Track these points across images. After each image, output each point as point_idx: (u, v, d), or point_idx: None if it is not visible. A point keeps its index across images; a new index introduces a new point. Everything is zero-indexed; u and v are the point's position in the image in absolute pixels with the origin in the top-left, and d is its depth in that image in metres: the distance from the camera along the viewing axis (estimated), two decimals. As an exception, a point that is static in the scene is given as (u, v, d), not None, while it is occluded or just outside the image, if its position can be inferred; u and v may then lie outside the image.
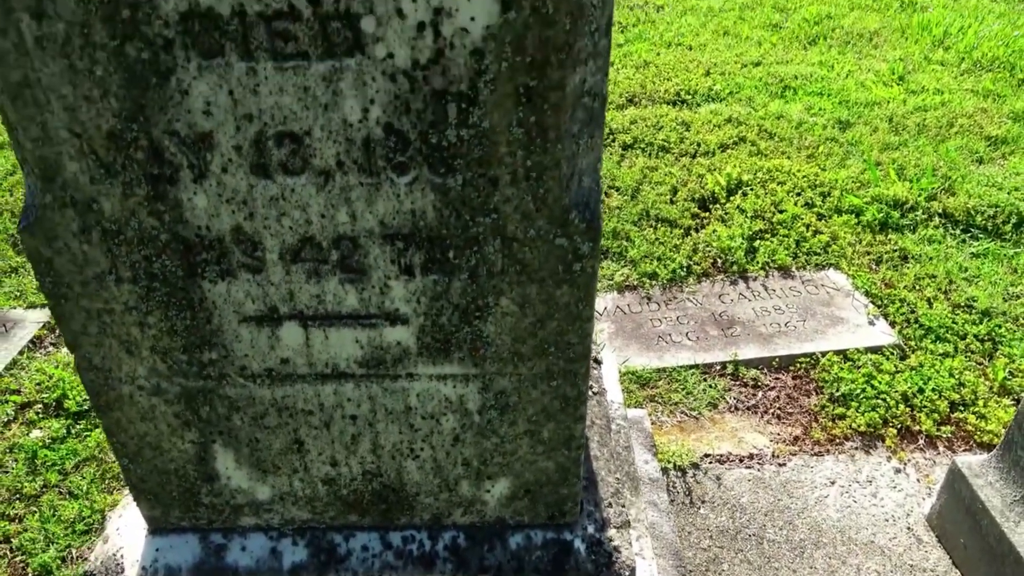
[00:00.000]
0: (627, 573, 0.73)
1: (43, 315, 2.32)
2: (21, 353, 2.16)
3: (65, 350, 2.15)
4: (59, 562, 1.56)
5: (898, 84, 3.64)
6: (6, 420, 1.92)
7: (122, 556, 0.73)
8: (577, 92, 0.53)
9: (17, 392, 2.01)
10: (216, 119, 0.54)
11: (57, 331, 2.25)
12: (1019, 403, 1.31)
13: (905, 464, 1.71)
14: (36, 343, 2.21)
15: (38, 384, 2.01)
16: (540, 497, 0.74)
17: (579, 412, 0.67)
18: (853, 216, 2.55)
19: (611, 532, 0.75)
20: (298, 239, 0.59)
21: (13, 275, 2.52)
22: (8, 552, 1.59)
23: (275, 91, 0.52)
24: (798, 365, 1.98)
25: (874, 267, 2.33)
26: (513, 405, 0.68)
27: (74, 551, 1.59)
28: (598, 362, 1.13)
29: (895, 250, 2.40)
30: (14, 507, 1.69)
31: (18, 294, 2.42)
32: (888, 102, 3.44)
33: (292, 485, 0.73)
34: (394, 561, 0.73)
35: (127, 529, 0.76)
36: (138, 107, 0.53)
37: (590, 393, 1.00)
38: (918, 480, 1.67)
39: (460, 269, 0.60)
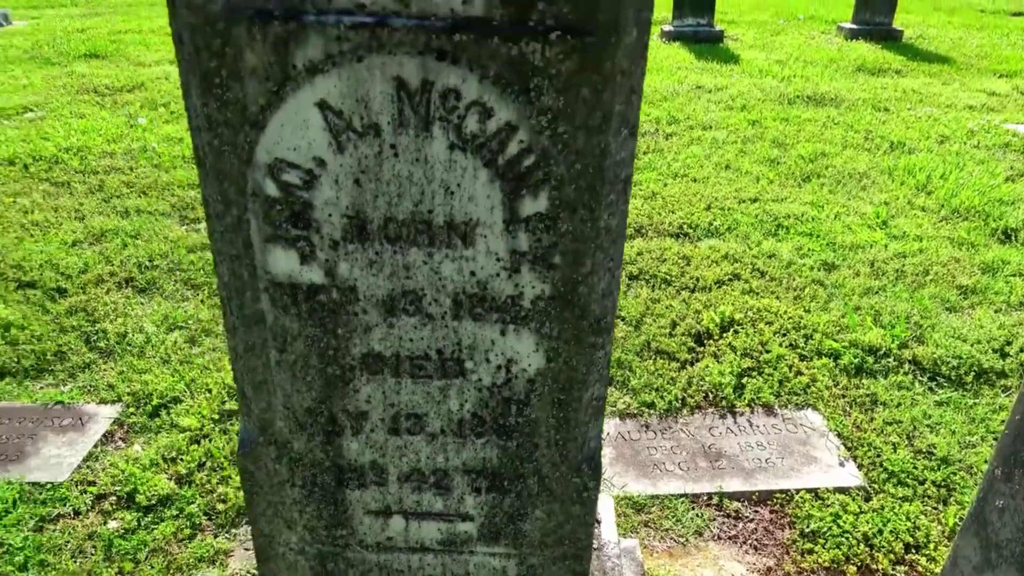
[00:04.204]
0: None
1: (114, 411, 2.63)
2: (96, 446, 2.46)
3: (136, 447, 2.46)
4: (132, 646, 1.82)
5: (881, 228, 4.02)
6: (85, 509, 2.21)
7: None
8: (589, 398, 0.85)
9: (93, 484, 2.30)
10: (372, 405, 0.86)
11: (126, 427, 2.56)
12: (953, 565, 1.58)
13: (862, 599, 1.97)
14: (108, 437, 2.51)
15: (112, 477, 2.30)
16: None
17: (584, 578, 0.98)
18: (831, 360, 2.86)
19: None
20: (410, 469, 0.90)
21: (86, 370, 2.84)
22: (87, 634, 1.86)
23: (408, 393, 0.84)
24: (775, 500, 2.26)
25: (847, 410, 2.63)
26: (539, 575, 0.98)
27: (144, 637, 1.85)
28: (598, 521, 1.42)
29: (867, 395, 2.70)
30: (92, 592, 1.96)
31: (91, 388, 2.74)
32: (871, 246, 3.80)
33: None
34: None
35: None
36: (326, 396, 0.85)
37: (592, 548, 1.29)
38: (872, 615, 1.93)
39: (510, 492, 0.91)
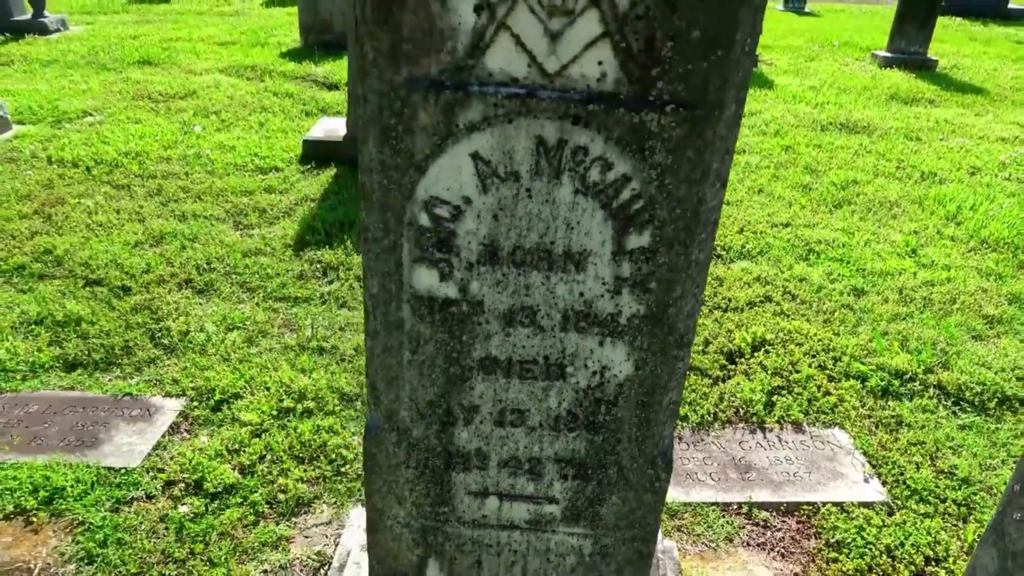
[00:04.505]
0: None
1: (179, 404, 2.81)
2: (164, 436, 2.64)
3: (202, 438, 2.63)
4: (207, 617, 1.99)
5: (910, 256, 4.13)
6: (156, 494, 2.39)
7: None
8: (667, 402, 1.00)
9: (163, 471, 2.48)
10: (483, 400, 1.01)
11: (190, 419, 2.74)
12: (972, 574, 1.70)
13: (884, 608, 2.09)
14: (174, 428, 2.69)
15: (180, 465, 2.48)
16: (618, 610, 1.18)
17: (649, 562, 1.12)
18: (859, 381, 2.99)
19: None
20: (509, 456, 1.06)
21: (152, 365, 3.03)
22: (167, 605, 2.03)
23: (516, 391, 1.00)
24: (802, 511, 2.39)
25: (873, 430, 2.75)
26: (611, 553, 1.13)
27: (218, 610, 2.02)
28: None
29: (893, 416, 2.82)
30: (168, 568, 2.13)
31: (157, 382, 2.93)
32: (900, 273, 3.92)
33: None
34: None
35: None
36: (446, 391, 1.01)
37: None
38: (894, 623, 2.05)
39: (593, 480, 1.06)
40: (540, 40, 0.78)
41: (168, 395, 2.85)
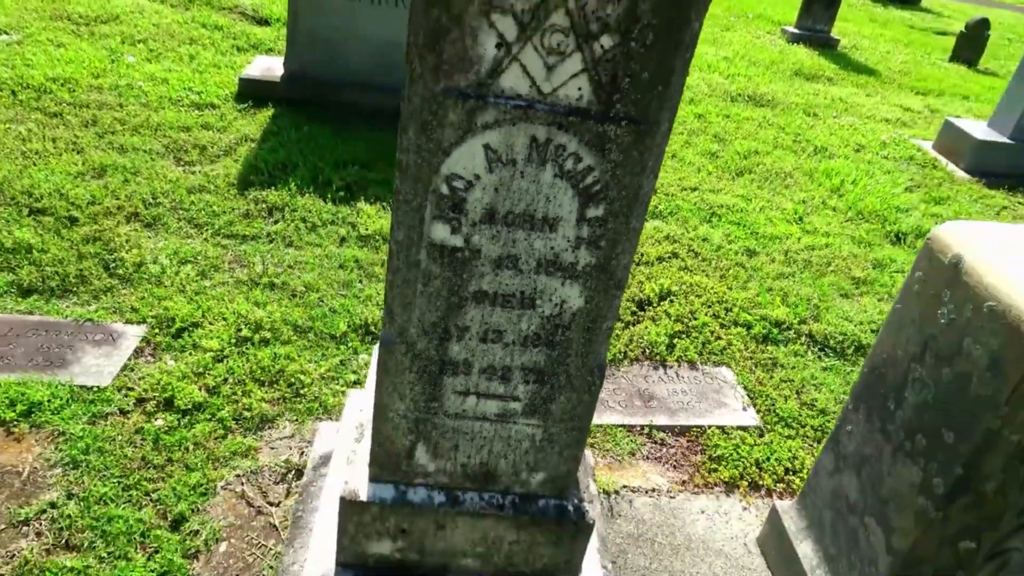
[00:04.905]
0: (592, 524, 1.58)
1: (140, 331, 3.01)
2: (129, 360, 2.86)
3: (168, 361, 2.86)
4: (190, 512, 2.29)
5: (797, 223, 4.71)
6: (129, 410, 2.63)
7: (358, 490, 1.53)
8: (606, 328, 1.38)
9: (132, 389, 2.71)
10: (473, 322, 1.35)
11: (152, 345, 2.96)
12: (815, 474, 2.22)
13: (750, 505, 2.62)
14: (139, 352, 2.91)
15: (150, 385, 2.72)
16: (556, 482, 1.57)
17: (583, 444, 1.51)
18: (745, 329, 3.51)
19: (586, 504, 1.59)
20: (487, 365, 1.41)
21: (108, 294, 3.20)
22: (151, 503, 2.31)
23: (497, 316, 1.34)
24: (691, 433, 2.89)
25: (753, 369, 3.29)
26: (556, 439, 1.51)
27: (198, 506, 2.32)
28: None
29: (770, 358, 3.37)
30: (148, 472, 2.40)
31: (116, 310, 3.11)
32: (787, 238, 4.49)
33: (446, 465, 1.54)
34: (485, 507, 1.56)
35: (356, 478, 1.56)
36: (446, 315, 1.34)
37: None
38: (755, 515, 2.58)
39: (547, 384, 1.44)
40: (540, 70, 1.12)
41: (129, 322, 3.04)
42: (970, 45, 10.73)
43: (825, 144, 6.26)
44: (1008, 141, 6.04)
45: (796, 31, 10.23)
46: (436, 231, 1.25)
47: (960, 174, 6.04)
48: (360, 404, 1.90)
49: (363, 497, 1.52)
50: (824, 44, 10.18)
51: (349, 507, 1.52)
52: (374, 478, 1.54)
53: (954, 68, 10.53)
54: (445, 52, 1.10)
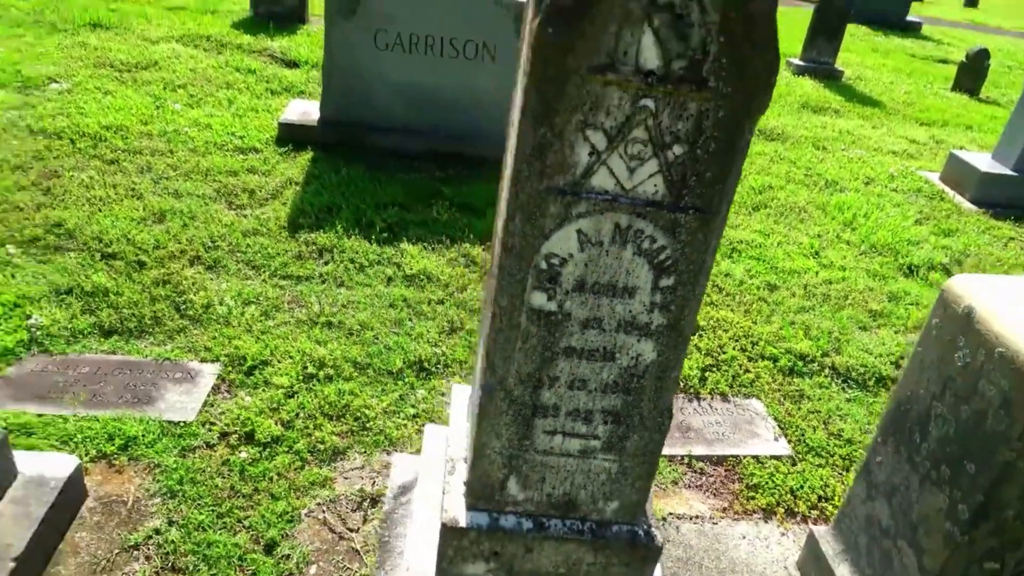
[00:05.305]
0: (660, 548, 1.81)
1: (215, 369, 3.27)
2: (208, 396, 3.11)
3: (244, 397, 3.11)
4: (280, 537, 2.52)
5: (814, 257, 4.95)
6: (214, 443, 2.87)
7: (457, 518, 1.77)
8: (674, 376, 1.62)
9: (215, 424, 2.96)
10: (562, 373, 1.60)
11: (227, 382, 3.21)
12: (849, 501, 2.43)
13: (787, 530, 2.84)
14: (216, 389, 3.16)
15: (231, 419, 2.97)
16: (628, 510, 1.80)
17: (653, 476, 1.74)
18: (771, 362, 3.74)
19: (654, 529, 1.82)
20: (573, 408, 1.65)
21: (181, 334, 3.46)
22: (244, 529, 2.54)
23: (583, 368, 1.59)
24: (728, 462, 3.11)
25: (782, 401, 3.51)
26: (629, 472, 1.74)
27: (287, 532, 2.55)
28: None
29: (797, 390, 3.59)
30: (238, 501, 2.64)
31: (191, 349, 3.37)
32: (805, 272, 4.72)
33: (533, 495, 1.77)
34: (567, 532, 1.79)
35: (454, 507, 1.80)
36: (540, 367, 1.60)
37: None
38: (793, 540, 2.79)
39: (623, 424, 1.68)
40: (623, 172, 1.38)
41: (204, 360, 3.30)
42: (971, 75, 11.02)
43: (836, 178, 6.51)
44: (1012, 173, 6.28)
45: (801, 63, 10.53)
46: (535, 298, 1.50)
47: (967, 205, 6.27)
48: (442, 440, 2.14)
49: (462, 524, 1.76)
50: (829, 76, 10.47)
51: (449, 533, 1.76)
52: (470, 507, 1.78)
53: (956, 97, 10.80)
54: (548, 159, 1.36)
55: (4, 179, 4.54)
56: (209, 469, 2.73)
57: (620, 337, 1.56)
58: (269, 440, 2.89)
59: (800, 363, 3.77)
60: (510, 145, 1.46)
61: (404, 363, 3.41)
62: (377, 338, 3.57)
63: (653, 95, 1.31)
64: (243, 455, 2.81)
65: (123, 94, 6.25)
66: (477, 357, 1.91)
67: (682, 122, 1.33)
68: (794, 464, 3.13)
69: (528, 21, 1.33)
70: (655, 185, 1.40)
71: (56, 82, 6.41)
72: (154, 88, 6.52)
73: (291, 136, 5.73)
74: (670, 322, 1.55)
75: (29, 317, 3.37)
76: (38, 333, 3.30)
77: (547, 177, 1.37)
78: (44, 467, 2.41)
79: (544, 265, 1.47)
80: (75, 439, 2.76)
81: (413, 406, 3.20)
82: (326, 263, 4.17)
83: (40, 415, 2.86)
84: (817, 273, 4.73)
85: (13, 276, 3.65)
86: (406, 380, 3.33)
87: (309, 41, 8.53)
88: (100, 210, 4.36)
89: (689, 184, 1.39)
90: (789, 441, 3.25)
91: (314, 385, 3.21)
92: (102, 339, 3.35)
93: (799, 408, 3.47)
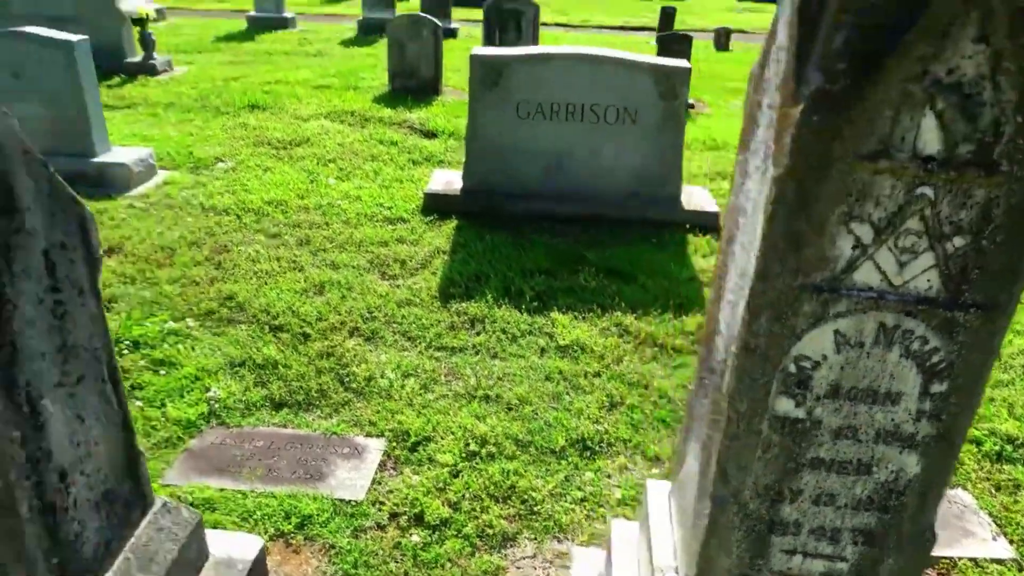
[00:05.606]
0: None
1: (380, 444, 3.27)
2: (376, 473, 3.10)
3: (412, 476, 3.08)
4: (456, 632, 2.42)
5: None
6: (385, 524, 2.84)
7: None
8: (940, 492, 1.42)
9: (384, 503, 2.93)
10: (807, 486, 1.44)
11: (393, 458, 3.19)
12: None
13: (1022, 651, 2.45)
14: (383, 466, 3.15)
15: (399, 499, 2.93)
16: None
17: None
18: (975, 445, 3.34)
19: None
20: (817, 526, 1.48)
21: (346, 407, 3.51)
22: (419, 619, 2.46)
23: (831, 482, 1.42)
24: (942, 564, 2.75)
25: (994, 492, 3.10)
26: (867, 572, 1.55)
27: (462, 626, 2.45)
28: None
29: (1009, 479, 3.17)
30: (411, 589, 2.57)
31: (355, 423, 3.40)
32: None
33: None
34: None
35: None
36: (781, 478, 1.43)
37: None
38: (1032, 664, 2.40)
39: (877, 545, 1.48)
40: (892, 266, 1.22)
41: (369, 435, 3.31)
42: None
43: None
44: None
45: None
46: (780, 404, 1.36)
47: None
48: (631, 538, 1.99)
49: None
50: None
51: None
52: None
53: None
54: (804, 254, 1.22)
55: (183, 255, 4.87)
56: (382, 552, 2.69)
57: (879, 448, 1.37)
58: (438, 522, 2.82)
59: (1008, 447, 3.34)
60: (745, 239, 1.34)
61: (566, 441, 3.29)
62: (536, 413, 3.48)
63: (932, 183, 1.16)
64: (414, 538, 2.76)
65: (281, 170, 6.66)
66: (684, 456, 1.77)
67: (965, 211, 1.17)
68: (1021, 570, 2.73)
69: (778, 106, 1.22)
70: (928, 280, 1.23)
71: (222, 161, 6.93)
72: (307, 163, 6.92)
73: (436, 205, 5.87)
74: (940, 432, 1.35)
75: (208, 390, 3.52)
76: (216, 406, 3.43)
77: (802, 273, 1.24)
78: (232, 548, 2.43)
79: (793, 368, 1.32)
80: (254, 516, 2.80)
81: (579, 488, 3.06)
82: (478, 333, 4.16)
83: (221, 489, 2.93)
84: (1011, 341, 4.25)
85: (193, 348, 3.85)
86: (569, 459, 3.20)
87: (444, 111, 8.85)
88: (266, 283, 4.57)
89: (970, 279, 1.22)
90: (1011, 541, 2.84)
91: (477, 463, 3.14)
92: (273, 411, 3.44)
93: (1016, 502, 3.05)
